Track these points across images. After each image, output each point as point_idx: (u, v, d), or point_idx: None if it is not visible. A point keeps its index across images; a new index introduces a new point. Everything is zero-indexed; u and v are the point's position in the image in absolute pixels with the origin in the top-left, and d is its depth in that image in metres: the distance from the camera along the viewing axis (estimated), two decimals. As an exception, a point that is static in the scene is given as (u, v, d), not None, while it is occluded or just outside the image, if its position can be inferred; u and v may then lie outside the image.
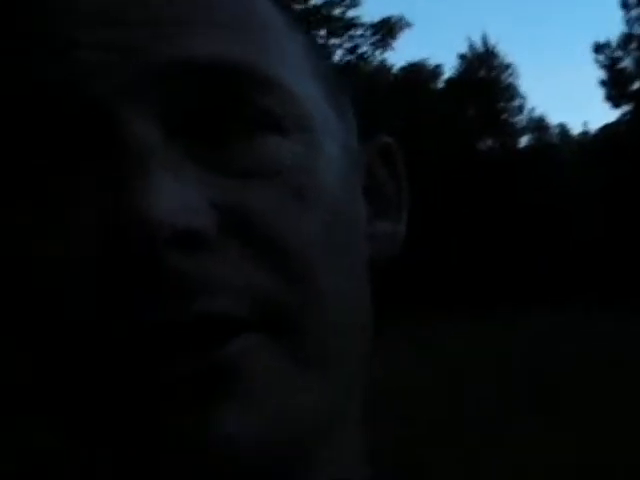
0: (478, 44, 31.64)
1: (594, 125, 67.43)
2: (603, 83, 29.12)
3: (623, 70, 28.87)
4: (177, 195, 0.38)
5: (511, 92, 31.26)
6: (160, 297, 0.38)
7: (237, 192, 0.40)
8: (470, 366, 11.16)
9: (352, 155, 0.48)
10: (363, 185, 0.49)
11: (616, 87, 28.62)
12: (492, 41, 36.11)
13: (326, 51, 0.53)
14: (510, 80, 31.28)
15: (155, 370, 0.38)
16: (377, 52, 19.54)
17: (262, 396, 0.39)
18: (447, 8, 61.55)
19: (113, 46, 0.40)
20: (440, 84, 32.07)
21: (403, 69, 30.76)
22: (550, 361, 11.49)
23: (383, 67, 27.62)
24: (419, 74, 31.08)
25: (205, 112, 0.41)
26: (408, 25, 20.55)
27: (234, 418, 0.38)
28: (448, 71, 37.88)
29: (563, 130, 33.20)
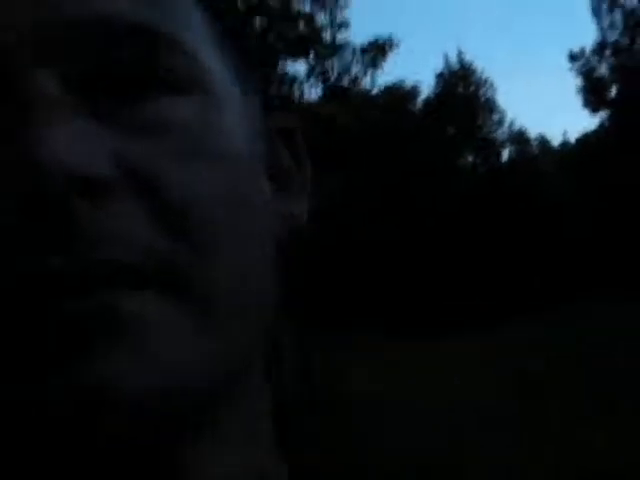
0: (454, 61, 31.59)
1: (574, 134, 67.64)
2: (580, 90, 29.06)
3: (599, 77, 28.82)
4: (75, 145, 0.38)
5: (490, 107, 31.16)
6: (53, 242, 0.38)
7: (136, 148, 0.41)
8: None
9: (254, 129, 0.49)
10: (266, 163, 0.50)
11: (593, 94, 28.54)
12: (468, 57, 36.05)
13: (234, 36, 0.52)
14: (488, 95, 31.20)
15: (44, 309, 0.38)
16: (368, 73, 19.54)
17: (152, 347, 0.39)
18: (421, 26, 61.83)
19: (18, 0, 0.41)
20: (419, 104, 31.98)
21: (381, 91, 30.67)
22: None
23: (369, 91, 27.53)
24: (397, 95, 30.99)
25: (107, 69, 0.42)
26: (397, 45, 20.59)
27: (123, 366, 0.38)
28: (426, 90, 37.83)
29: (543, 141, 33.10)
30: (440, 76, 31.64)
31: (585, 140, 29.59)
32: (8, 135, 0.39)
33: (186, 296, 0.41)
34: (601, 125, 28.79)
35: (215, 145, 0.44)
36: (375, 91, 29.83)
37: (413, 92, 32.19)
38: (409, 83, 31.64)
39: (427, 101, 31.67)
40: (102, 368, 0.38)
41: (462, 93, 31.12)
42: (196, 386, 0.40)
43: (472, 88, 31.30)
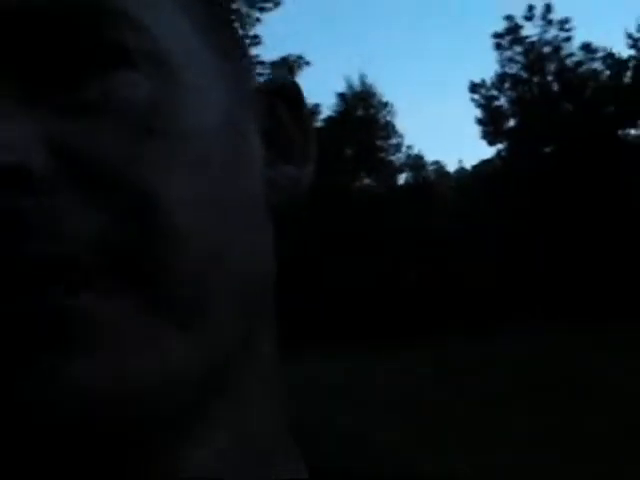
0: (356, 83, 31.74)
1: (469, 162, 69.01)
2: (479, 121, 29.49)
3: (498, 108, 29.32)
4: (4, 131, 0.36)
5: (389, 130, 31.37)
6: None
7: (79, 131, 0.38)
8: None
9: (240, 94, 0.46)
10: (263, 128, 0.48)
11: (492, 125, 29.01)
12: (370, 80, 36.25)
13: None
14: (388, 118, 31.42)
15: None
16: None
17: (107, 348, 0.37)
18: (324, 47, 62.20)
19: None
20: (319, 123, 31.95)
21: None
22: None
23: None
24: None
25: (47, 49, 0.39)
26: (307, 64, 20.51)
27: (77, 370, 0.36)
28: (327, 110, 37.87)
29: (439, 167, 33.51)
30: (341, 96, 31.75)
31: (481, 167, 30.05)
32: None
33: (143, 289, 0.38)
34: (498, 154, 29.27)
35: (171, 120, 0.40)
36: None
37: (314, 111, 32.21)
38: (310, 102, 31.64)
39: (327, 120, 31.70)
40: (61, 376, 0.36)
41: (362, 115, 31.26)
42: (157, 390, 0.38)
43: (372, 110, 31.49)
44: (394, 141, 31.44)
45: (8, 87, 0.37)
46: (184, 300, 0.38)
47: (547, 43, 29.13)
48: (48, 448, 0.36)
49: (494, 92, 29.63)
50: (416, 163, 31.75)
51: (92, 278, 0.36)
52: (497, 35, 29.56)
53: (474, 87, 29.92)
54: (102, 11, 0.39)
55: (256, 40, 19.59)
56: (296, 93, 0.50)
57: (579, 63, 28.80)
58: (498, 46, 29.69)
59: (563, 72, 28.67)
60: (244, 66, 0.48)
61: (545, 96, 28.21)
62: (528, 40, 29.18)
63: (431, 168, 33.16)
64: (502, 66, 29.73)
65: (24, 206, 0.36)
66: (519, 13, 32.18)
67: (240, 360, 0.43)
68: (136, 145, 0.38)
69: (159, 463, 0.40)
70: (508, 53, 29.57)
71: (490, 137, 29.25)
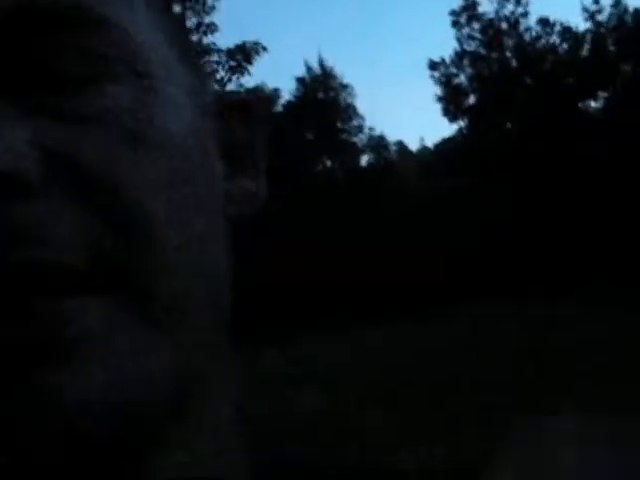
0: (315, 66, 31.48)
1: (431, 141, 69.08)
2: (439, 99, 29.37)
3: (458, 86, 29.21)
4: None
5: (350, 112, 31.17)
6: None
7: (67, 138, 0.39)
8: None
9: (202, 106, 0.47)
10: (218, 141, 0.49)
11: (452, 103, 28.90)
12: (329, 63, 36.02)
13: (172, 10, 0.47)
14: (348, 100, 31.22)
15: None
16: (234, 77, 19.12)
17: (101, 359, 0.37)
18: (281, 31, 61.84)
19: None
20: (279, 108, 31.69)
21: (239, 93, 30.17)
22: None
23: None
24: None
25: (34, 58, 0.39)
26: (264, 49, 20.24)
27: (73, 383, 0.37)
28: (286, 95, 37.59)
29: (402, 147, 33.37)
30: (301, 81, 31.50)
31: (444, 145, 29.99)
32: None
33: (127, 297, 0.38)
34: (459, 131, 29.19)
35: (154, 132, 0.41)
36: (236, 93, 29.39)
37: (274, 96, 31.92)
38: (270, 87, 31.34)
39: (287, 105, 31.44)
40: (57, 391, 0.36)
41: (322, 98, 31.03)
42: (144, 400, 0.38)
43: (332, 93, 31.27)
44: (355, 123, 31.31)
45: (6, 94, 0.37)
46: (170, 310, 0.39)
47: (504, 19, 29.03)
48: (36, 462, 0.36)
49: (453, 70, 29.53)
50: (378, 144, 31.65)
51: (78, 285, 0.36)
52: (454, 13, 29.44)
53: (433, 65, 29.81)
54: (86, 19, 0.40)
55: (212, 27, 19.29)
56: (249, 107, 0.51)
57: (537, 38, 28.73)
58: (455, 24, 29.58)
59: (521, 47, 28.59)
60: (204, 78, 0.48)
61: (504, 72, 28.11)
62: (485, 17, 29.08)
63: (394, 149, 33.10)
64: (460, 43, 29.64)
65: (15, 211, 0.36)
66: (476, -10, 32.04)
67: (209, 367, 0.43)
68: (121, 154, 0.39)
69: (142, 470, 0.40)
70: (466, 30, 29.47)
71: (451, 115, 29.16)
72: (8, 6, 0.38)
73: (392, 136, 31.52)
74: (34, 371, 0.36)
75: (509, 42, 29.02)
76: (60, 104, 0.38)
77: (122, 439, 0.37)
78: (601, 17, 27.08)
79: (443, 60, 29.76)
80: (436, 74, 29.66)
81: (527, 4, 29.00)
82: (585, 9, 28.00)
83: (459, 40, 29.75)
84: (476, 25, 29.33)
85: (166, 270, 0.39)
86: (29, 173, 0.36)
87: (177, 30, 0.46)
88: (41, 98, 0.38)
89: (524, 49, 28.55)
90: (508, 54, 29.09)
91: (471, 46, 29.50)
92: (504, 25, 29.18)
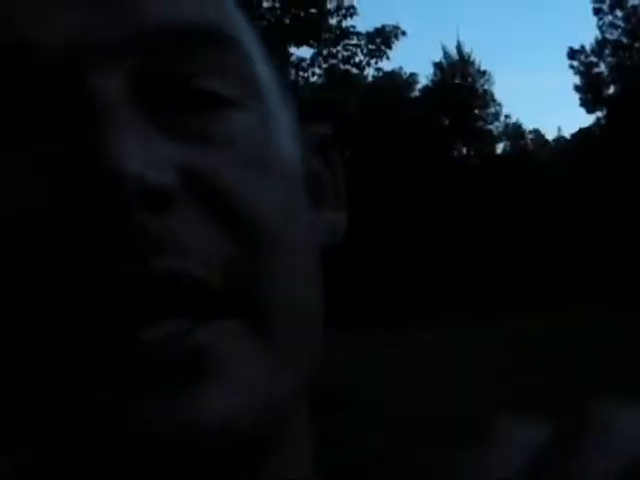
0: (453, 52, 31.59)
1: (568, 130, 67.84)
2: (578, 89, 29.11)
3: (598, 75, 28.88)
4: (145, 152, 0.37)
5: (486, 99, 31.20)
6: (124, 254, 0.37)
7: (199, 157, 0.40)
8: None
9: (297, 137, 0.47)
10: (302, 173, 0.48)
11: (591, 92, 28.60)
12: (467, 49, 36.02)
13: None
14: (485, 87, 31.24)
15: (127, 344, 0.37)
16: (372, 61, 19.51)
17: (235, 383, 0.38)
18: (420, 17, 61.74)
19: (83, 6, 0.40)
20: (415, 93, 31.98)
21: (377, 78, 30.66)
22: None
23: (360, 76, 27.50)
24: (393, 83, 30.96)
25: (177, 75, 0.41)
26: (403, 34, 20.54)
27: (211, 402, 0.37)
28: (423, 80, 37.79)
29: (538, 136, 33.19)
30: (438, 66, 31.67)
31: (581, 135, 29.67)
32: (70, 140, 0.38)
33: (257, 322, 0.39)
34: (597, 122, 28.86)
35: (273, 158, 0.42)
36: (374, 79, 29.83)
37: (410, 81, 32.23)
38: (407, 72, 31.68)
39: (424, 90, 31.69)
40: (182, 406, 0.37)
41: (459, 84, 31.14)
42: (267, 422, 0.39)
43: (469, 79, 31.34)
44: (492, 110, 31.31)
45: (140, 107, 0.39)
46: (289, 330, 0.40)
47: (649, 7, 28.49)
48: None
49: (593, 59, 29.20)
50: (514, 132, 31.56)
51: (216, 307, 0.38)
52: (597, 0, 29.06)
53: (573, 53, 29.53)
54: (225, 41, 0.42)
55: (351, 11, 19.73)
56: (328, 141, 0.52)
57: (682, 27, 28.09)
58: (598, 11, 29.20)
59: (666, 37, 28.01)
60: (293, 109, 0.49)
61: (647, 62, 27.61)
62: (630, 4, 28.62)
63: (530, 137, 32.94)
64: (602, 32, 29.25)
65: (157, 222, 0.37)
66: (620, -23, 31.47)
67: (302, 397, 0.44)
68: (249, 178, 0.40)
69: None
70: (608, 18, 29.07)
71: (589, 105, 28.87)
72: (156, 22, 0.40)
73: (528, 124, 31.30)
74: (163, 388, 0.36)
75: (653, 31, 28.47)
76: (189, 125, 0.40)
77: (240, 462, 0.39)
78: None
79: (583, 48, 29.48)
80: (575, 63, 29.40)
81: (674, -8, 28.37)
82: None
83: (600, 28, 29.36)
84: (619, 13, 28.91)
85: (287, 292, 0.40)
86: (171, 188, 0.37)
87: (274, 63, 0.48)
88: (175, 117, 0.40)
89: (669, 39, 27.97)
90: (652, 43, 28.57)
91: (613, 35, 29.10)
92: (648, 13, 28.64)
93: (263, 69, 0.45)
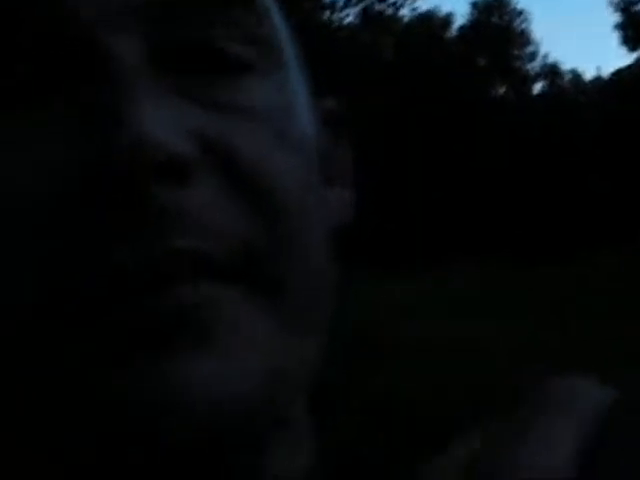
0: (490, -10, 31.13)
1: (607, 70, 66.64)
2: (618, 26, 28.60)
3: (639, 13, 28.31)
4: (165, 118, 0.36)
5: (524, 39, 30.80)
6: (141, 231, 0.36)
7: (220, 126, 0.39)
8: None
9: (311, 107, 0.46)
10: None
11: (633, 29, 28.08)
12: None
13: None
14: (523, 27, 30.82)
15: (135, 306, 0.36)
16: (407, 1, 19.24)
17: (242, 350, 0.37)
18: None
19: None
20: (452, 32, 31.63)
21: (413, 18, 30.29)
22: None
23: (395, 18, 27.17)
24: (430, 23, 30.62)
25: (195, 38, 0.39)
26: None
27: (210, 369, 0.36)
28: (460, 19, 37.30)
29: (576, 76, 32.73)
30: (474, 5, 31.27)
31: (619, 74, 29.21)
32: (87, 104, 0.37)
33: (272, 293, 0.38)
34: (637, 61, 28.36)
35: (292, 129, 0.41)
36: (409, 18, 29.50)
37: (447, 20, 31.84)
38: (443, 11, 31.29)
39: (460, 30, 31.33)
40: (186, 371, 0.35)
41: (496, 23, 30.75)
42: (281, 393, 0.38)
43: (506, 18, 30.93)
44: (529, 49, 30.91)
45: (159, 73, 0.38)
46: (304, 308, 0.40)
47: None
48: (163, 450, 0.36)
49: (634, -4, 28.60)
50: (552, 72, 31.17)
51: (229, 276, 0.37)
52: None
53: (613, -9, 28.95)
54: (248, 1, 0.41)
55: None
56: (338, 115, 0.51)
57: None
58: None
59: None
60: (308, 80, 0.47)
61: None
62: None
63: (567, 77, 32.49)
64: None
65: (175, 197, 0.36)
66: None
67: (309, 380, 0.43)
68: (270, 150, 0.39)
69: (255, 467, 0.40)
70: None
71: (631, 43, 28.37)
72: None
73: (567, 64, 30.81)
74: (162, 354, 0.35)
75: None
76: (211, 94, 0.39)
77: (251, 433, 0.38)
78: None
79: (624, -15, 28.86)
80: (616, 0, 28.84)
81: None
82: None
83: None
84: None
85: (304, 270, 0.40)
86: (191, 158, 0.36)
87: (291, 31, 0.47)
88: (194, 84, 0.39)
89: None
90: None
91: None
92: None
93: (283, 33, 0.44)
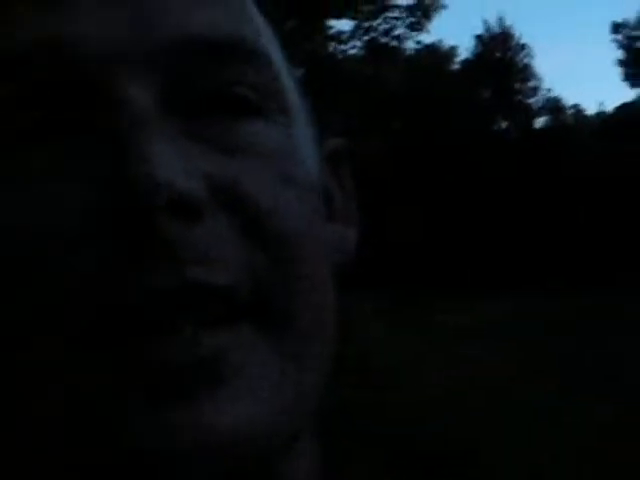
0: (494, 25, 31.30)
1: (610, 106, 66.99)
2: (621, 63, 28.75)
3: (641, 49, 28.48)
4: (178, 161, 0.37)
5: (527, 73, 30.92)
6: (151, 264, 0.37)
7: (228, 168, 0.40)
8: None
9: (315, 150, 0.47)
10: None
11: (634, 67, 28.24)
12: (508, 22, 35.63)
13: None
14: (526, 61, 30.95)
15: (149, 350, 0.37)
16: (412, 34, 19.34)
17: (252, 389, 0.38)
18: (463, -7, 61.09)
19: (116, 16, 0.41)
20: (455, 66, 31.78)
21: (417, 50, 30.46)
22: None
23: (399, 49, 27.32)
24: (434, 56, 30.77)
25: (207, 87, 0.41)
26: (444, 7, 20.37)
27: (226, 410, 0.37)
28: (464, 52, 37.54)
29: (578, 111, 32.85)
30: (478, 38, 31.41)
31: (623, 110, 29.30)
32: (102, 148, 0.38)
33: (279, 327, 0.40)
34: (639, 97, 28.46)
35: (297, 171, 0.43)
36: (413, 52, 29.66)
37: (451, 53, 32.00)
38: (447, 44, 31.47)
39: (464, 63, 31.46)
40: (200, 414, 0.37)
41: (499, 57, 30.88)
42: (291, 426, 0.40)
43: (510, 53, 31.06)
44: (532, 84, 31.02)
45: (172, 117, 0.39)
46: (308, 343, 0.41)
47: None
48: None
49: (638, 32, 28.79)
50: (554, 106, 31.27)
51: (238, 315, 0.38)
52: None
53: (616, 27, 29.15)
54: (254, 53, 0.43)
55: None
56: (340, 153, 0.52)
57: None
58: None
59: None
60: (314, 124, 0.49)
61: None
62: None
63: (570, 112, 32.61)
64: (646, 5, 28.80)
65: (188, 233, 0.37)
66: (666, -51, 30.92)
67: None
68: (275, 189, 0.41)
69: None
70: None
71: (633, 79, 28.52)
72: (187, 33, 0.41)
73: (569, 99, 30.98)
74: (178, 403, 0.37)
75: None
76: (218, 136, 0.40)
77: (263, 466, 0.39)
78: None
79: (627, 22, 29.08)
80: (619, 37, 29.02)
81: None
82: None
83: (645, 1, 28.93)
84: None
85: (309, 305, 0.41)
86: (202, 198, 0.37)
87: (298, 79, 0.48)
88: (205, 128, 0.40)
89: None
90: (697, 17, 28.10)
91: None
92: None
93: (290, 83, 0.46)
